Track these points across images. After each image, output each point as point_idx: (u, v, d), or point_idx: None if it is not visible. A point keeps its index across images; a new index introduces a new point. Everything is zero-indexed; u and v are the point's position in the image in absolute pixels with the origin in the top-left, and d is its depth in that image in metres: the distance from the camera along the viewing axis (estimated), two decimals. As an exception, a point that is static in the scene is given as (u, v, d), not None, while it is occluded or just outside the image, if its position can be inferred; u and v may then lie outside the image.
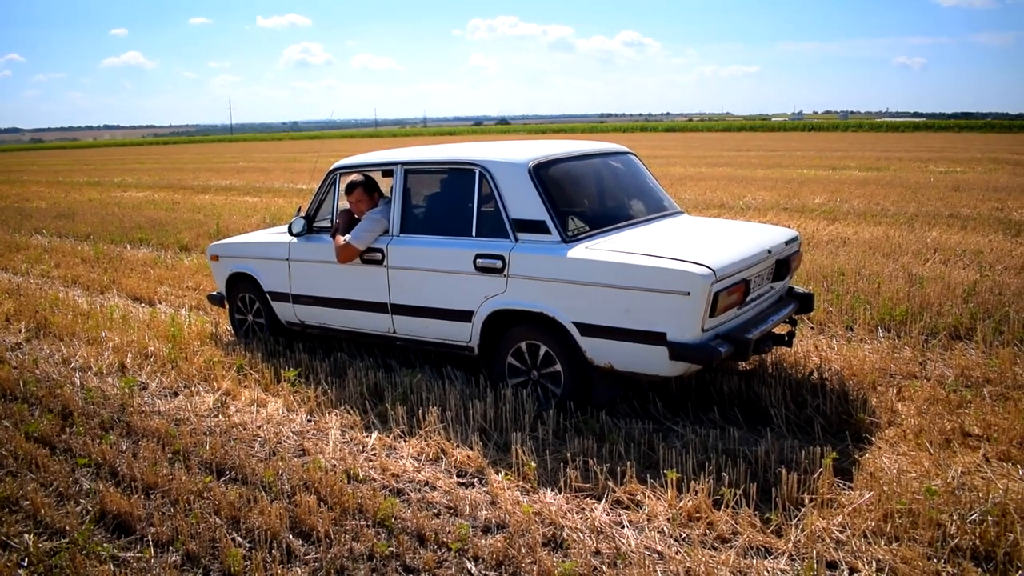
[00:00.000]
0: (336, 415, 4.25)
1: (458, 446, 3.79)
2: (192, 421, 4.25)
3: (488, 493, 3.38)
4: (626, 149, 5.15)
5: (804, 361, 4.78)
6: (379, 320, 4.77)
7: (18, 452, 3.87)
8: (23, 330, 6.19)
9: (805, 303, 4.68)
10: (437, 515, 3.23)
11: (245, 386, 4.78)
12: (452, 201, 4.59)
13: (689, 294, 3.59)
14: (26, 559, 2.99)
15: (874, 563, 2.74)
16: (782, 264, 4.30)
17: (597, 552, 2.91)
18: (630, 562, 2.81)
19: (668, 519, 3.08)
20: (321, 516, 3.17)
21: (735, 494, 3.13)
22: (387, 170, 4.87)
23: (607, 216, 4.49)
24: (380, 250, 4.63)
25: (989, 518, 2.90)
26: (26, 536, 3.13)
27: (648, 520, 3.10)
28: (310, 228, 5.08)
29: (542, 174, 4.23)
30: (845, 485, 3.30)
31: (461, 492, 3.39)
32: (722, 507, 3.09)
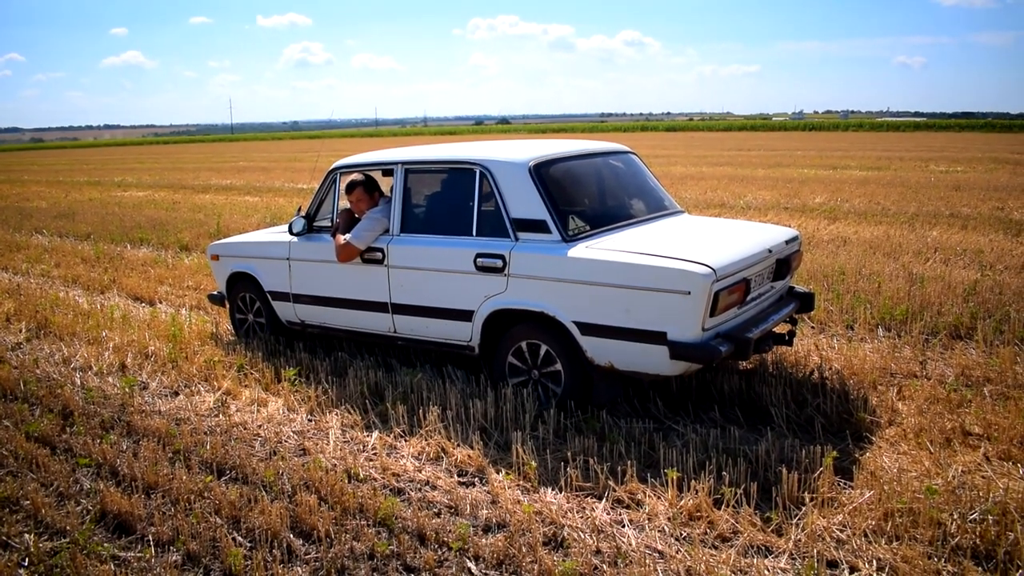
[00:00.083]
0: (337, 414, 4.25)
1: (459, 445, 3.79)
2: (192, 421, 4.25)
3: (489, 492, 3.38)
4: (627, 148, 5.15)
5: (805, 360, 4.78)
6: (379, 319, 4.77)
7: (19, 452, 3.87)
8: (23, 330, 6.19)
9: (806, 302, 4.68)
10: (438, 514, 3.23)
11: (246, 385, 4.78)
12: (452, 200, 4.59)
13: (690, 293, 3.59)
14: (27, 559, 2.99)
15: (874, 562, 2.74)
16: (783, 263, 4.30)
17: (598, 551, 2.91)
18: (631, 561, 2.81)
19: (669, 518, 3.08)
20: (322, 516, 3.17)
21: (736, 493, 3.13)
22: (387, 169, 4.87)
23: (608, 215, 4.49)
24: (380, 249, 4.63)
25: (989, 517, 2.90)
26: (27, 536, 3.13)
27: (649, 519, 3.10)
28: (310, 227, 5.08)
29: (542, 173, 4.23)
30: (846, 484, 3.30)
31: (462, 491, 3.39)
32: (723, 506, 3.09)
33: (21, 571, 2.93)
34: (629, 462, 3.47)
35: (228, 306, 5.89)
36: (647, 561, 2.80)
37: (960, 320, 5.44)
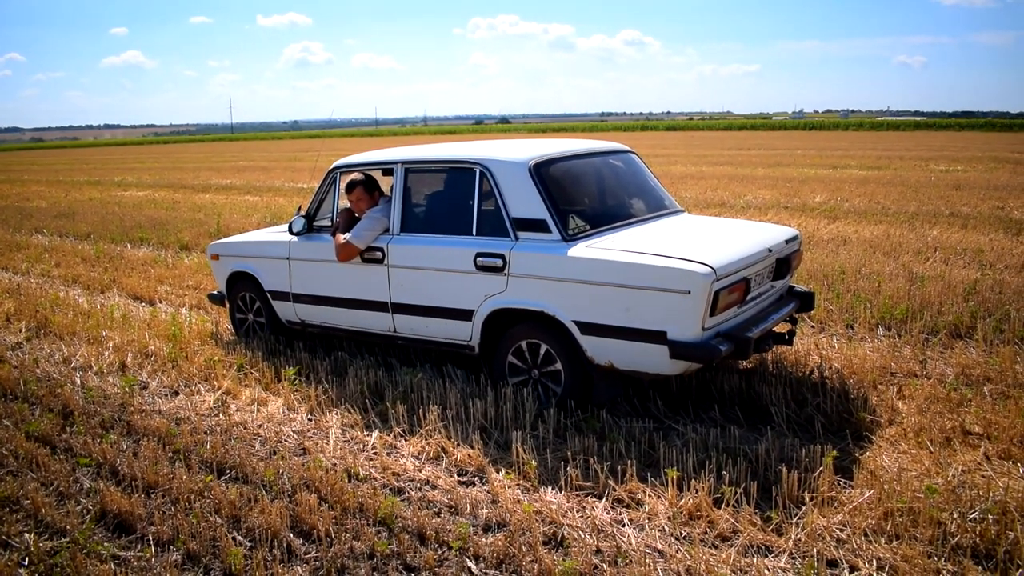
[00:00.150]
0: (337, 414, 4.25)
1: (459, 445, 3.79)
2: (192, 420, 4.25)
3: (489, 492, 3.38)
4: (627, 148, 5.15)
5: (805, 360, 4.78)
6: (379, 319, 4.77)
7: (19, 451, 3.87)
8: (23, 329, 6.19)
9: (806, 302, 4.67)
10: (438, 514, 3.23)
11: (245, 385, 4.78)
12: (453, 200, 4.59)
13: (690, 293, 3.59)
14: (27, 558, 2.99)
15: (874, 561, 2.74)
16: (783, 263, 4.30)
17: (598, 551, 2.91)
18: (631, 560, 2.81)
19: (669, 517, 3.08)
20: (322, 515, 3.17)
21: (736, 492, 3.13)
22: (387, 169, 4.87)
23: (608, 215, 4.49)
24: (380, 249, 4.63)
25: (989, 516, 2.90)
26: (27, 535, 3.13)
27: (649, 518, 3.10)
28: (310, 227, 5.08)
29: (542, 173, 4.23)
30: (846, 483, 3.30)
31: (462, 491, 3.39)
32: (723, 505, 3.09)
33: (21, 570, 2.93)
34: (629, 461, 3.47)
35: (228, 306, 5.89)
36: (647, 560, 2.80)
37: (960, 319, 5.44)
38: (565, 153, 4.54)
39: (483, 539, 3.00)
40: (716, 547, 2.91)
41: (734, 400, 4.23)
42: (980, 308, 5.64)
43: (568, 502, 3.24)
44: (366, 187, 4.90)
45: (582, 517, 3.13)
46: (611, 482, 3.33)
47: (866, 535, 2.88)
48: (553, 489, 3.35)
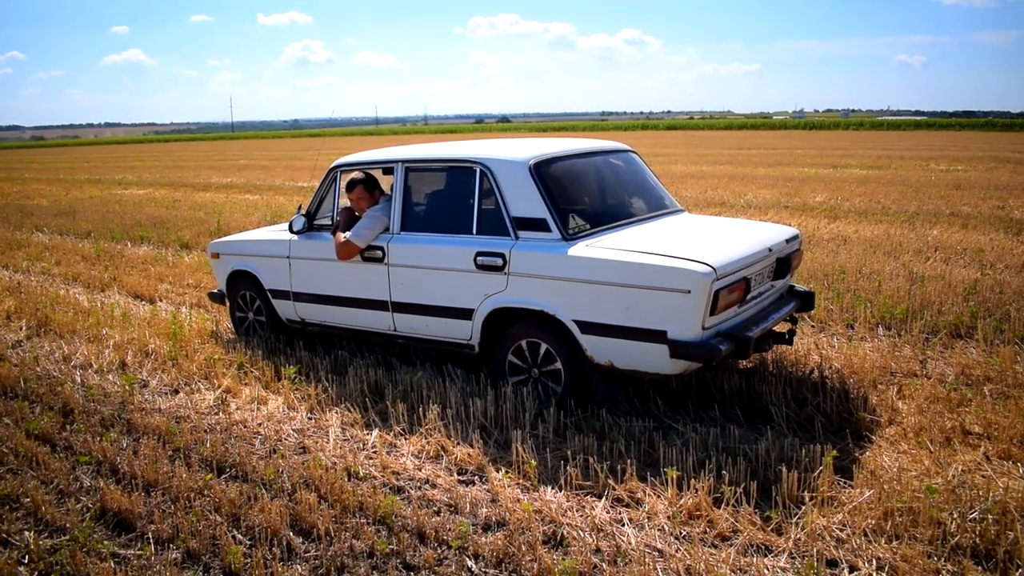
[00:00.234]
0: (336, 413, 4.25)
1: (458, 444, 3.79)
2: (192, 419, 4.25)
3: (488, 491, 3.38)
4: (627, 147, 5.15)
5: (805, 359, 4.78)
6: (380, 318, 4.77)
7: (19, 449, 3.87)
8: (24, 328, 6.19)
9: (806, 301, 4.67)
10: (437, 513, 3.23)
11: (245, 384, 4.78)
12: (453, 199, 4.59)
13: (690, 292, 3.59)
14: (27, 556, 2.99)
15: (874, 561, 2.74)
16: (783, 262, 4.30)
17: (597, 550, 2.91)
18: (630, 560, 2.81)
19: (668, 517, 3.08)
20: (321, 514, 3.17)
21: (735, 492, 3.12)
22: (388, 168, 4.87)
23: (608, 214, 4.49)
24: (381, 248, 4.63)
25: (989, 516, 2.90)
26: (27, 533, 3.13)
27: (648, 518, 3.10)
28: (311, 226, 5.08)
29: (543, 172, 4.23)
30: (845, 483, 3.30)
31: (461, 490, 3.39)
32: (722, 505, 3.09)
33: (21, 568, 2.93)
34: (629, 461, 3.47)
35: (228, 304, 5.90)
36: (647, 560, 2.81)
37: (960, 319, 5.44)
38: (565, 152, 4.54)
39: (483, 538, 3.00)
40: (716, 547, 2.91)
41: (734, 400, 4.23)
42: (980, 308, 5.64)
43: (568, 501, 3.24)
44: (366, 186, 4.90)
45: (582, 516, 3.13)
46: (611, 481, 3.33)
47: (866, 535, 2.88)
48: (553, 488, 3.35)
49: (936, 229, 9.39)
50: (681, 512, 3.09)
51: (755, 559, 2.79)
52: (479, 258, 4.21)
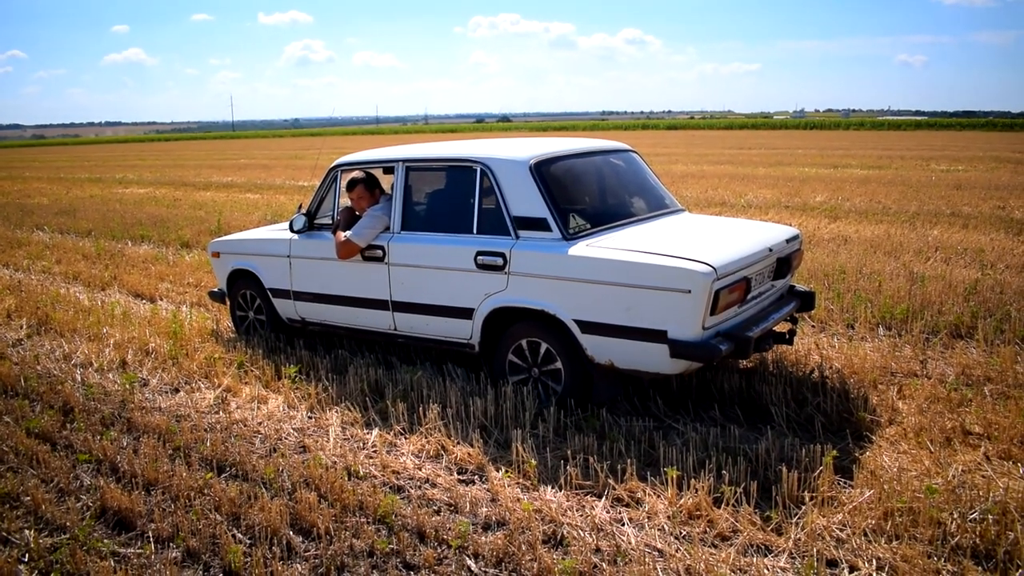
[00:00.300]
0: (337, 412, 4.26)
1: (458, 443, 3.79)
2: (193, 417, 4.25)
3: (488, 490, 3.38)
4: (627, 147, 5.14)
5: (805, 359, 4.78)
6: (380, 317, 4.77)
7: (19, 448, 3.88)
8: (24, 326, 6.20)
9: (806, 301, 4.67)
10: (437, 512, 3.23)
11: (246, 383, 4.78)
12: (453, 198, 4.59)
13: (690, 292, 3.59)
14: (27, 555, 3.00)
15: (874, 561, 2.74)
16: (783, 262, 4.30)
17: (597, 550, 2.91)
18: (630, 560, 2.81)
19: (668, 517, 3.08)
20: (321, 513, 3.17)
21: (735, 492, 3.12)
22: (388, 167, 4.87)
23: (608, 214, 4.49)
24: (381, 247, 4.63)
25: (990, 517, 2.90)
26: (27, 532, 3.13)
27: (648, 518, 3.10)
28: (311, 225, 5.08)
29: (543, 171, 4.23)
30: (845, 483, 3.30)
31: (461, 489, 3.39)
32: (722, 505, 3.09)
33: (21, 567, 2.93)
34: (629, 460, 3.47)
35: (229, 303, 5.90)
36: (647, 559, 2.81)
37: (961, 319, 5.44)
38: (566, 152, 4.54)
39: (483, 538, 3.00)
40: (716, 546, 2.91)
41: (734, 399, 4.23)
42: (981, 308, 5.64)
43: (568, 501, 3.24)
44: (367, 185, 4.91)
45: (582, 516, 3.13)
46: (611, 481, 3.33)
47: (866, 535, 2.88)
48: (553, 488, 3.35)
49: (936, 229, 9.39)
50: (681, 512, 3.09)
51: (755, 559, 2.79)
52: (479, 257, 4.21)
